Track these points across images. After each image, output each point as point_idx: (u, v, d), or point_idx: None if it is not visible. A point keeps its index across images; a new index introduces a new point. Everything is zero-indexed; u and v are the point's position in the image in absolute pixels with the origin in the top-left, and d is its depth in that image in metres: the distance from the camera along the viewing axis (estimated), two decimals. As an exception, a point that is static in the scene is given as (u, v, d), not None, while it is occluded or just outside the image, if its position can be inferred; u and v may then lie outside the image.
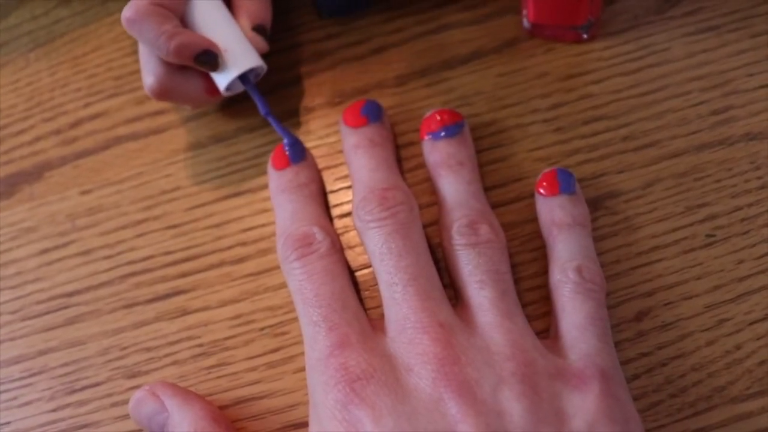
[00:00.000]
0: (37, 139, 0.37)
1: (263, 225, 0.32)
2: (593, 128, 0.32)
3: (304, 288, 0.27)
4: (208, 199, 0.33)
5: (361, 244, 0.29)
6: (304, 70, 0.36)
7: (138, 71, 0.37)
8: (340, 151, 0.33)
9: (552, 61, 0.33)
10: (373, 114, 0.31)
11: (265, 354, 0.30)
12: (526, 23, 0.34)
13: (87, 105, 0.37)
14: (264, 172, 0.33)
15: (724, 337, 0.28)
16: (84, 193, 0.35)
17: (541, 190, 0.29)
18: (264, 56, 0.33)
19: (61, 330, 0.32)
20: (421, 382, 0.24)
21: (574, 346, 0.25)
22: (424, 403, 0.23)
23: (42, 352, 0.32)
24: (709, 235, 0.29)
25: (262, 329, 0.30)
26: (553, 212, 0.28)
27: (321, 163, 0.33)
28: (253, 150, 0.34)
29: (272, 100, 0.35)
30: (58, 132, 0.37)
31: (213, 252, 0.32)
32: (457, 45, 0.35)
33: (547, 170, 0.29)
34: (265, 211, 0.33)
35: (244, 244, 0.32)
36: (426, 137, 0.30)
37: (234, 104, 0.35)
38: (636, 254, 0.29)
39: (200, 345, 0.31)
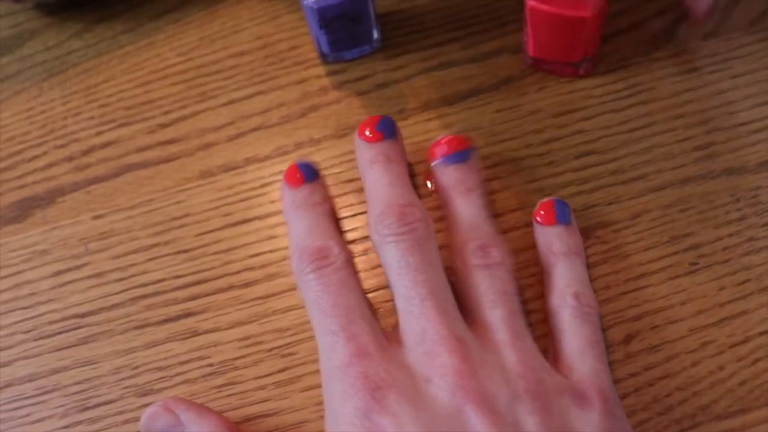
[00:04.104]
0: (50, 165, 0.39)
1: (270, 251, 0.34)
2: (584, 162, 0.34)
3: (321, 299, 0.28)
4: (217, 226, 0.35)
5: (368, 267, 0.31)
6: (309, 104, 0.37)
7: (149, 102, 0.39)
8: (346, 181, 0.35)
9: (545, 98, 0.36)
10: (388, 130, 0.32)
11: (273, 374, 0.31)
12: (527, 58, 0.36)
13: (99, 133, 0.39)
14: (271, 201, 0.35)
15: (707, 359, 0.29)
16: (96, 218, 0.36)
17: (539, 219, 0.31)
18: (271, 91, 0.35)
19: (73, 349, 0.33)
20: (440, 393, 0.25)
21: (575, 367, 0.27)
22: (444, 413, 0.24)
23: (55, 371, 0.33)
24: (692, 263, 0.31)
25: (270, 350, 0.32)
26: (551, 241, 0.30)
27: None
28: (260, 180, 0.36)
29: (278, 132, 0.37)
30: (70, 159, 0.38)
31: (222, 276, 0.34)
32: (456, 82, 0.37)
33: (544, 200, 0.31)
34: (272, 237, 0.34)
35: (251, 269, 0.34)
36: (437, 160, 0.32)
37: (243, 136, 0.37)
38: (625, 281, 0.31)
39: (210, 365, 0.32)
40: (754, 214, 0.32)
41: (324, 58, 0.38)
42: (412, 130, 0.36)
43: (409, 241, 0.28)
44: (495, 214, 0.33)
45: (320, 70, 0.38)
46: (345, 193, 0.35)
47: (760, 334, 0.30)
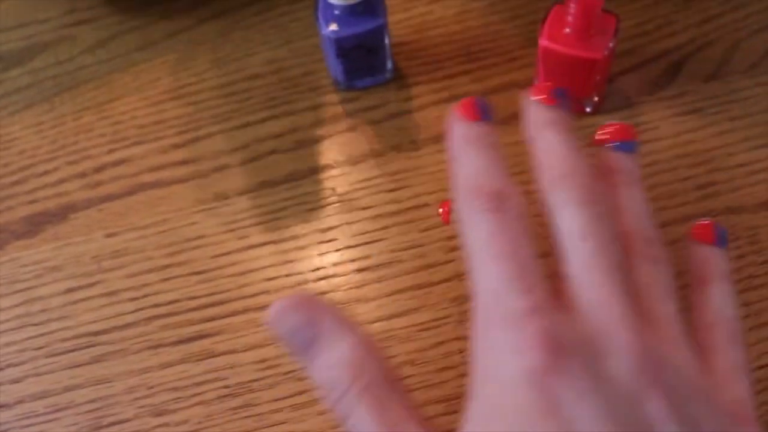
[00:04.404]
0: (62, 181, 0.39)
1: (286, 275, 0.35)
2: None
3: (495, 242, 0.25)
4: (232, 248, 0.35)
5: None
6: (323, 130, 0.38)
7: (162, 122, 0.39)
8: (362, 209, 0.35)
9: (554, 133, 0.37)
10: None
11: (289, 396, 0.32)
12: (534, 96, 0.37)
13: (111, 151, 0.39)
14: (287, 226, 0.36)
15: None
16: (109, 236, 0.37)
17: (695, 237, 0.30)
18: (285, 116, 0.35)
19: (86, 368, 0.34)
20: (620, 372, 0.23)
21: (730, 386, 0.26)
22: (623, 393, 0.22)
23: (68, 389, 0.33)
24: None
25: (286, 373, 0.32)
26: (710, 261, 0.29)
27: (340, 219, 0.35)
28: (275, 204, 0.36)
29: (293, 158, 0.37)
30: (83, 175, 0.39)
31: (238, 299, 0.34)
32: (467, 114, 0.38)
33: (703, 221, 0.30)
34: (288, 262, 0.35)
35: (267, 292, 0.34)
36: (609, 143, 0.30)
37: (257, 160, 0.38)
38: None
39: (226, 386, 0.32)
40: (753, 252, 0.34)
41: (338, 85, 0.39)
42: (424, 160, 0.37)
43: (594, 210, 0.26)
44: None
45: (334, 97, 0.39)
46: (360, 220, 0.35)
47: (760, 367, 0.31)
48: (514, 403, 0.22)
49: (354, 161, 0.37)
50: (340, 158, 0.37)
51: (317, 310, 0.25)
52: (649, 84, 0.38)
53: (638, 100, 0.38)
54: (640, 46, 0.39)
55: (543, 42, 0.35)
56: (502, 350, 0.23)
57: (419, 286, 0.34)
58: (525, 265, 0.24)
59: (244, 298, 0.34)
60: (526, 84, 0.38)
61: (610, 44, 0.34)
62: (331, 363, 0.24)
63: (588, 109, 0.37)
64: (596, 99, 0.36)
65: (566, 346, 0.22)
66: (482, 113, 0.29)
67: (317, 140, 0.38)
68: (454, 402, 0.31)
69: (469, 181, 0.27)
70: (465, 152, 0.28)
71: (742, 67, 0.38)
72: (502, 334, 0.23)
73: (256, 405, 0.32)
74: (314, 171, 0.37)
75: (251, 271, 0.35)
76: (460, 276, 0.34)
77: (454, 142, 0.29)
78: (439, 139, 0.37)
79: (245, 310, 0.34)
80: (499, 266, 0.24)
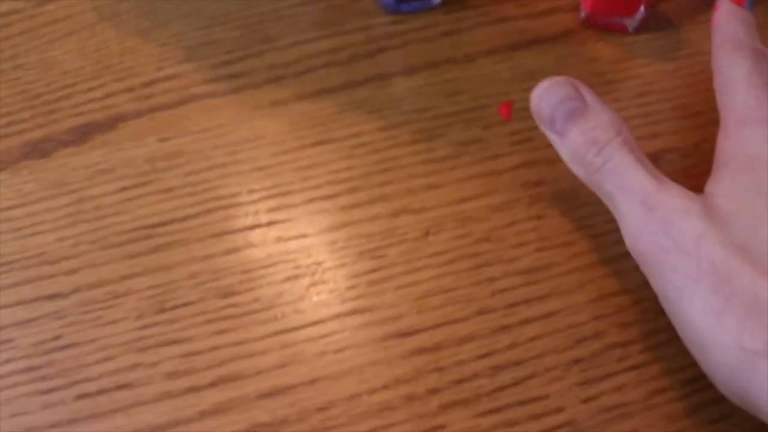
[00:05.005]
0: (108, 95, 0.38)
1: (350, 168, 0.34)
2: (645, 100, 0.36)
3: (754, 75, 0.29)
4: (293, 146, 0.35)
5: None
6: (376, 46, 0.39)
7: (211, 43, 0.39)
8: (419, 111, 0.36)
9: (603, 48, 0.38)
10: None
11: (364, 274, 0.31)
12: (582, 13, 0.38)
13: (160, 68, 0.39)
14: (347, 126, 0.36)
15: None
16: (163, 140, 0.36)
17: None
18: (335, 36, 0.37)
19: (145, 257, 0.33)
20: None
21: None
22: None
23: (126, 277, 0.32)
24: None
25: (360, 253, 0.32)
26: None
27: (399, 119, 0.36)
28: (336, 107, 0.37)
29: (348, 69, 0.38)
30: (130, 89, 0.38)
31: (302, 190, 0.34)
32: (516, 34, 0.39)
33: None
34: (350, 157, 0.35)
35: (333, 183, 0.34)
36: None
37: (311, 72, 0.38)
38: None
39: (297, 267, 0.32)
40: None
41: (386, 8, 0.40)
42: (480, 70, 0.38)
43: None
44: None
45: (383, 19, 0.40)
46: (420, 120, 0.36)
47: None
48: (766, 165, 0.26)
49: (410, 72, 0.38)
50: (396, 69, 0.38)
51: (581, 86, 0.29)
52: (691, 8, 0.40)
53: (680, 22, 0.39)
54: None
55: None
56: (755, 139, 0.27)
57: (487, 174, 0.34)
58: None
59: (309, 189, 0.34)
60: (571, 8, 0.40)
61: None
62: (597, 124, 0.28)
63: (633, 29, 0.38)
64: (642, 18, 0.38)
65: None
66: (747, 3, 0.33)
67: (371, 54, 0.39)
68: (533, 273, 0.31)
69: (732, 38, 0.31)
70: (728, 22, 0.32)
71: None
72: (755, 129, 0.27)
73: (329, 282, 0.31)
74: (370, 79, 0.38)
75: (314, 165, 0.35)
76: (526, 164, 0.34)
77: (719, 14, 0.32)
78: (493, 52, 0.38)
79: (311, 200, 0.34)
80: (756, 90, 0.28)
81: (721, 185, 0.27)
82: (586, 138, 0.28)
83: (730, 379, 0.24)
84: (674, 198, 0.26)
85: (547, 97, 0.29)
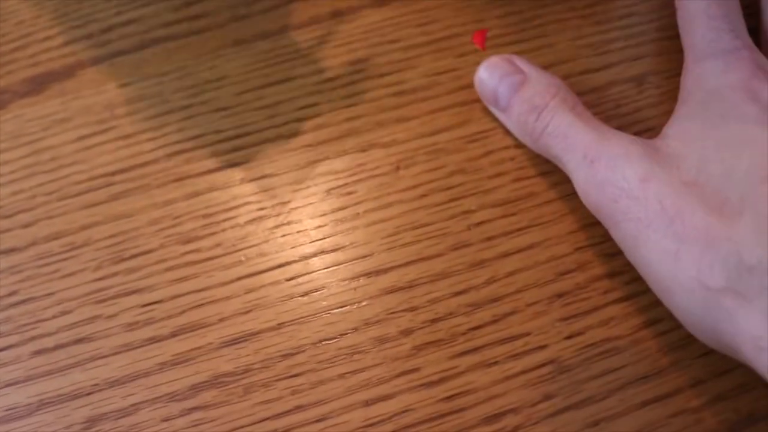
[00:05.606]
0: (66, 43, 0.37)
1: (316, 104, 0.33)
2: (628, 22, 0.34)
3: (713, 5, 0.29)
4: (257, 85, 0.33)
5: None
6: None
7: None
8: (388, 42, 0.34)
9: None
10: None
11: (332, 212, 0.30)
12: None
13: (119, 13, 0.37)
14: (314, 62, 0.34)
15: None
16: (122, 86, 0.34)
17: None
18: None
19: (104, 206, 0.31)
20: None
21: None
22: None
23: (84, 227, 0.31)
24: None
25: (327, 191, 0.30)
26: None
27: (368, 52, 0.34)
28: (302, 43, 0.35)
29: (314, 3, 0.36)
30: (89, 36, 0.37)
31: (267, 128, 0.32)
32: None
33: None
34: (317, 93, 0.33)
35: (299, 119, 0.32)
36: None
37: (277, 9, 0.36)
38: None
39: (262, 208, 0.30)
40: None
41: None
42: (453, -3, 0.35)
43: None
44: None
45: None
46: (390, 51, 0.34)
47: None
48: (720, 98, 0.26)
49: (379, 3, 0.36)
50: (363, 1, 0.36)
51: (517, 59, 0.30)
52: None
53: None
54: None
55: None
56: (713, 72, 0.27)
57: (461, 104, 0.32)
58: (734, 22, 0.28)
59: (274, 127, 0.32)
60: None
61: None
62: (535, 91, 0.29)
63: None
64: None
65: None
66: None
67: (339, -13, 0.36)
68: (511, 205, 0.30)
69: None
70: None
71: None
72: (713, 62, 0.27)
73: (295, 222, 0.30)
74: (337, 14, 0.36)
75: (280, 102, 0.33)
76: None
77: None
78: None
79: (277, 138, 0.32)
80: (715, 22, 0.28)
81: (675, 126, 0.27)
82: (526, 106, 0.28)
83: (699, 320, 0.23)
84: (614, 146, 0.26)
85: (487, 79, 0.30)
